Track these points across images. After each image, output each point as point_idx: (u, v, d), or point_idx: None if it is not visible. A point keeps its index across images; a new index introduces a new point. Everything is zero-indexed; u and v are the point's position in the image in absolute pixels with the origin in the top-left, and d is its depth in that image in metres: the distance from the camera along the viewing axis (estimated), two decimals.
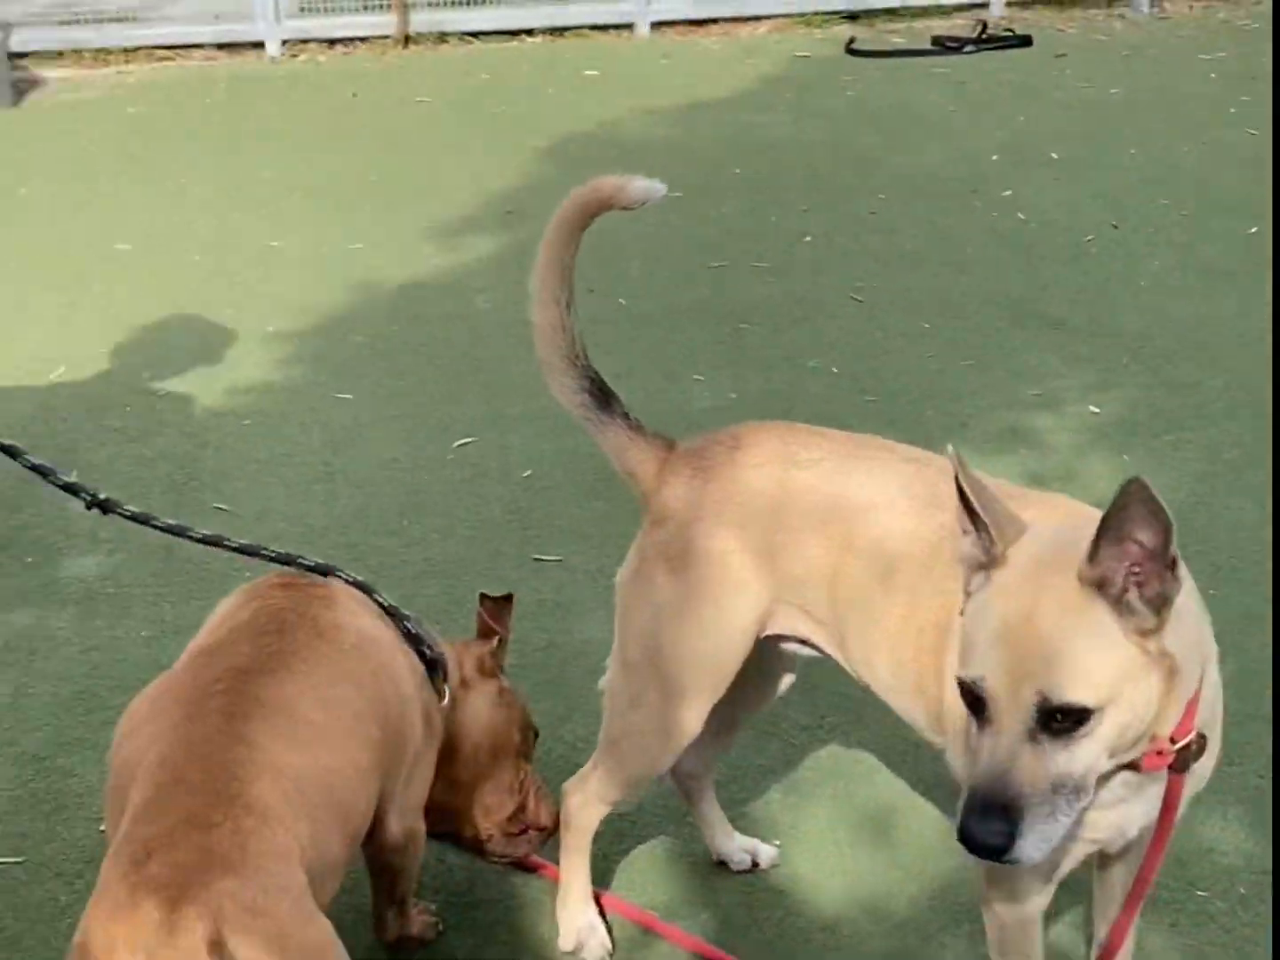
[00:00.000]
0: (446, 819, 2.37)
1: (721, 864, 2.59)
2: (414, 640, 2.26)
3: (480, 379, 4.35)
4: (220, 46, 7.58)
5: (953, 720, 1.99)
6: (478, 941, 2.46)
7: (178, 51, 7.54)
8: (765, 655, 2.30)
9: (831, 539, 2.08)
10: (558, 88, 7.21)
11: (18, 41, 7.10)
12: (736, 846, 2.59)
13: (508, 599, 2.43)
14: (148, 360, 4.39)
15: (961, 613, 1.81)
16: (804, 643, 2.22)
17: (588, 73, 7.43)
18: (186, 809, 1.78)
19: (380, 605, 2.26)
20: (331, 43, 7.67)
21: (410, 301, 4.84)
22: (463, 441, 3.95)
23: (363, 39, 7.66)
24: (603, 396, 2.24)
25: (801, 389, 4.26)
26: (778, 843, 2.64)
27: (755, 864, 2.59)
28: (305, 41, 7.64)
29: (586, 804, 2.36)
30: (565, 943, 2.42)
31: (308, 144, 6.33)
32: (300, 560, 2.25)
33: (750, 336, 4.60)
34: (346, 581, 2.25)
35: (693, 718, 2.24)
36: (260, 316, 4.67)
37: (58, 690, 2.85)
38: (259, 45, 7.58)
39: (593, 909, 2.43)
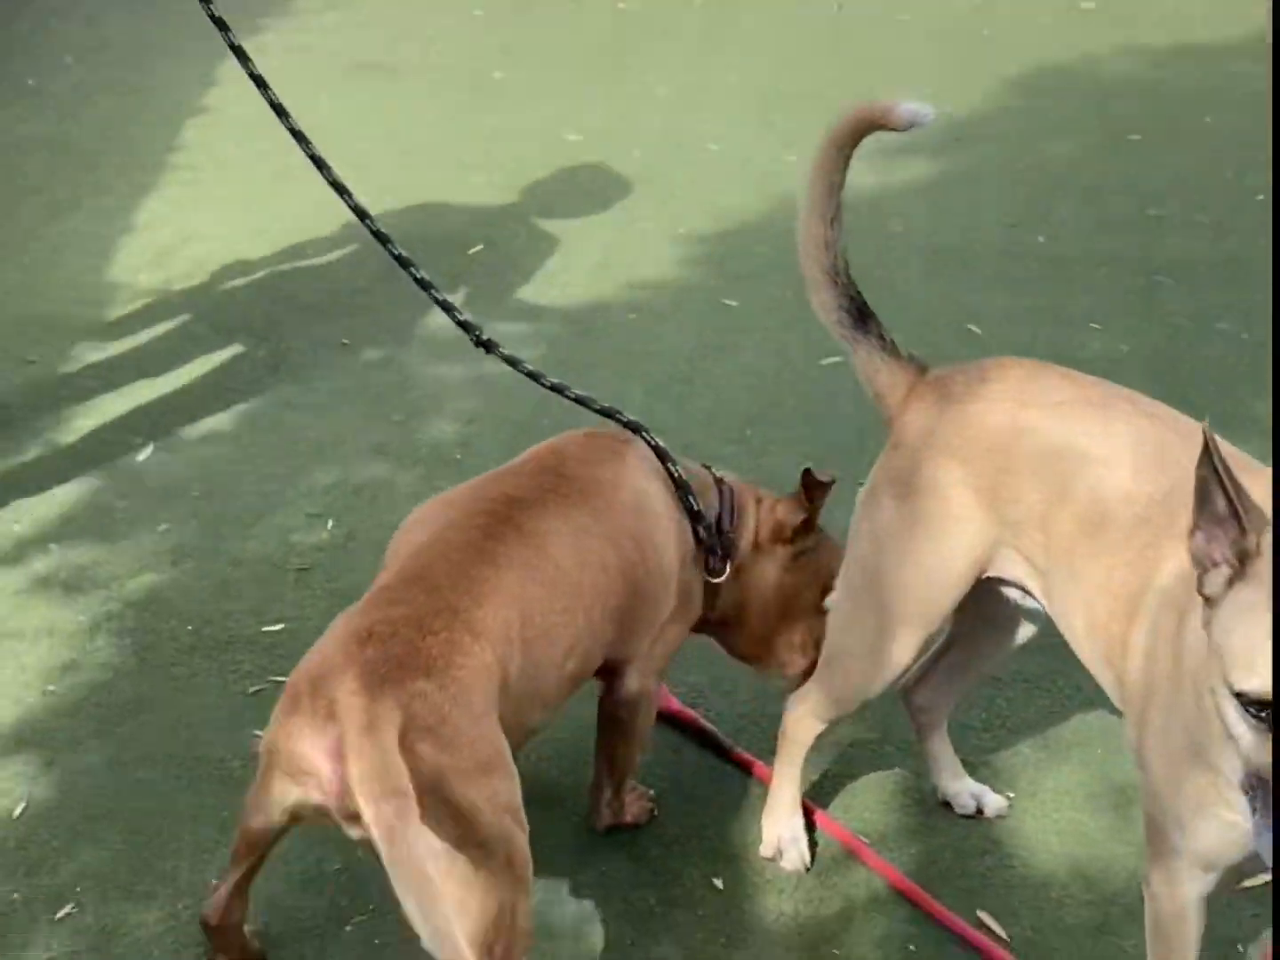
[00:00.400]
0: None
1: (945, 805, 2.58)
2: (694, 518, 2.37)
3: (870, 299, 4.35)
4: None
5: (1134, 696, 1.92)
6: (682, 832, 2.55)
7: None
8: (993, 600, 2.27)
9: (1049, 485, 2.02)
10: (1053, 17, 7.00)
11: None
12: (964, 789, 2.57)
13: (830, 481, 2.46)
14: None
15: (1206, 624, 1.67)
16: (1023, 590, 2.18)
17: (1084, 5, 7.18)
18: (416, 607, 1.99)
19: (671, 476, 2.38)
20: None
21: None
22: (830, 360, 3.97)
23: None
24: (860, 316, 2.26)
25: (1199, 351, 4.06)
26: (1010, 795, 2.60)
27: (979, 810, 2.55)
28: None
29: (803, 718, 2.41)
30: (766, 849, 2.48)
31: (779, 55, 6.41)
32: (618, 415, 2.44)
33: (1163, 291, 4.41)
34: (649, 444, 2.39)
35: (903, 647, 2.25)
36: (675, 217, 4.82)
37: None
38: None
39: (799, 820, 2.48)
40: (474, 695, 1.94)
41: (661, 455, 2.39)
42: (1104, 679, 2.03)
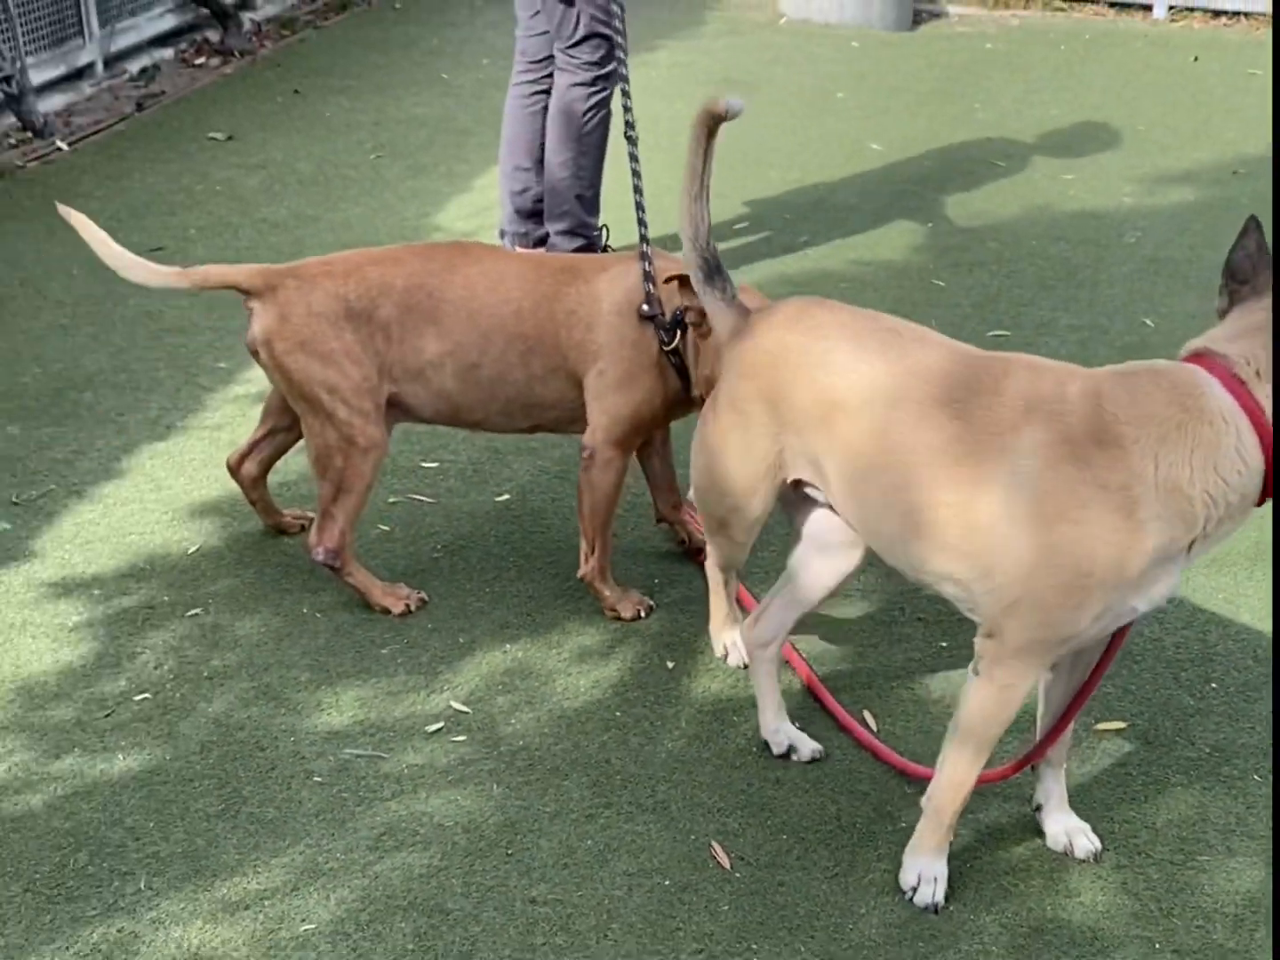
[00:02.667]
0: None
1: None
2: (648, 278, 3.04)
3: (1068, 291, 4.76)
4: (1112, 5, 8.11)
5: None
6: (670, 627, 3.15)
7: (1074, 4, 8.17)
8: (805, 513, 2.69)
9: (815, 389, 2.48)
10: None
11: None
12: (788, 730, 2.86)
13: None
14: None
15: None
16: (814, 487, 2.58)
17: None
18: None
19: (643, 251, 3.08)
20: (1215, 14, 7.94)
21: (1073, 227, 5.28)
22: (994, 334, 4.42)
23: (1244, 14, 7.85)
24: (712, 272, 2.70)
25: None
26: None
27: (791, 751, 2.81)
28: (1190, 10, 7.98)
29: (711, 566, 3.03)
30: (717, 650, 3.07)
31: (1115, 96, 6.77)
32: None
33: None
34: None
35: (739, 529, 2.74)
36: (940, 228, 5.32)
37: None
38: (1147, 8, 8.03)
39: (737, 630, 3.01)
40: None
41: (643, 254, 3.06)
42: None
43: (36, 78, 6.31)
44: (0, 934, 2.39)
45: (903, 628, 3.17)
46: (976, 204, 5.44)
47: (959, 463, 2.31)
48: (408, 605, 3.17)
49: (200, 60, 7.25)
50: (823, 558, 2.71)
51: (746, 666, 2.95)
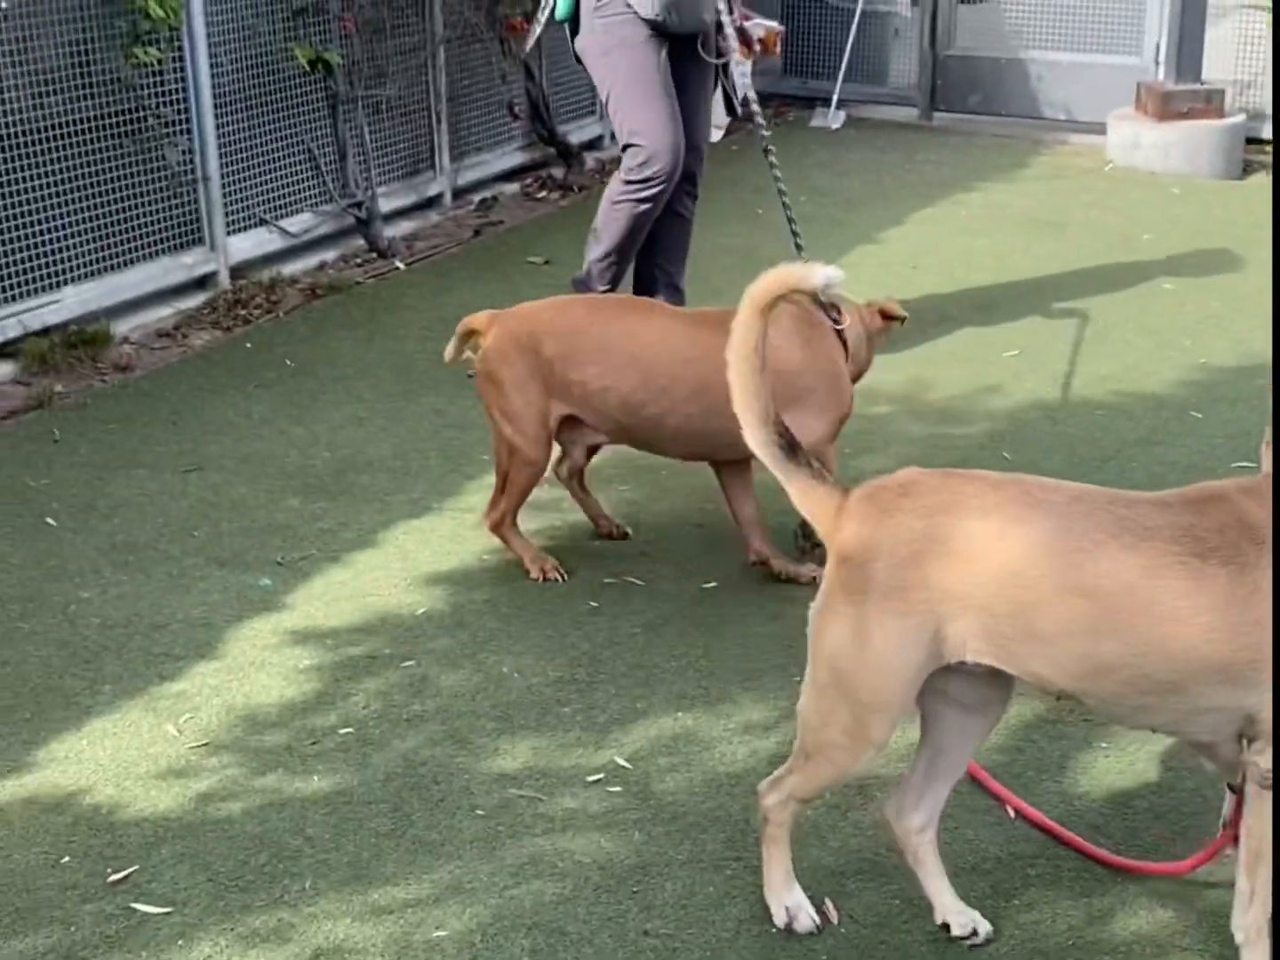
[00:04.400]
0: None
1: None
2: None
3: None
4: None
5: None
6: None
7: None
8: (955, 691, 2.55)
9: (992, 564, 2.34)
10: None
11: None
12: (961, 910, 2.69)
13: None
14: None
15: None
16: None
17: None
18: None
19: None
20: None
21: None
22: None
23: None
24: (790, 450, 2.50)
25: None
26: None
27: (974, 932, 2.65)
28: None
29: (786, 803, 2.63)
30: (777, 920, 2.69)
31: None
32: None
33: None
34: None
35: (879, 728, 2.48)
36: (1212, 364, 5.32)
37: None
38: None
39: (797, 889, 2.70)
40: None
41: None
42: None
43: (389, 205, 6.98)
44: (180, 912, 2.73)
45: (1061, 725, 3.25)
46: (1255, 344, 5.41)
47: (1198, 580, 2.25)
48: (544, 573, 3.83)
49: (541, 194, 7.84)
50: (970, 717, 2.61)
51: (821, 928, 2.68)
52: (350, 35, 6.49)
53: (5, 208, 5.22)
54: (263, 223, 6.36)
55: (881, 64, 9.38)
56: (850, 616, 2.42)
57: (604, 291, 5.16)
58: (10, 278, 5.29)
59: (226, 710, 3.32)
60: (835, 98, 9.10)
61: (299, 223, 6.52)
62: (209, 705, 3.33)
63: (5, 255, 5.25)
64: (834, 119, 9.06)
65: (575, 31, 5.01)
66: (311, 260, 6.57)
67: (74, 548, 4.02)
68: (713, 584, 3.86)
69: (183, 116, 5.82)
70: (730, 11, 4.88)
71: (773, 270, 2.45)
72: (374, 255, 6.74)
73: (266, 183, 6.35)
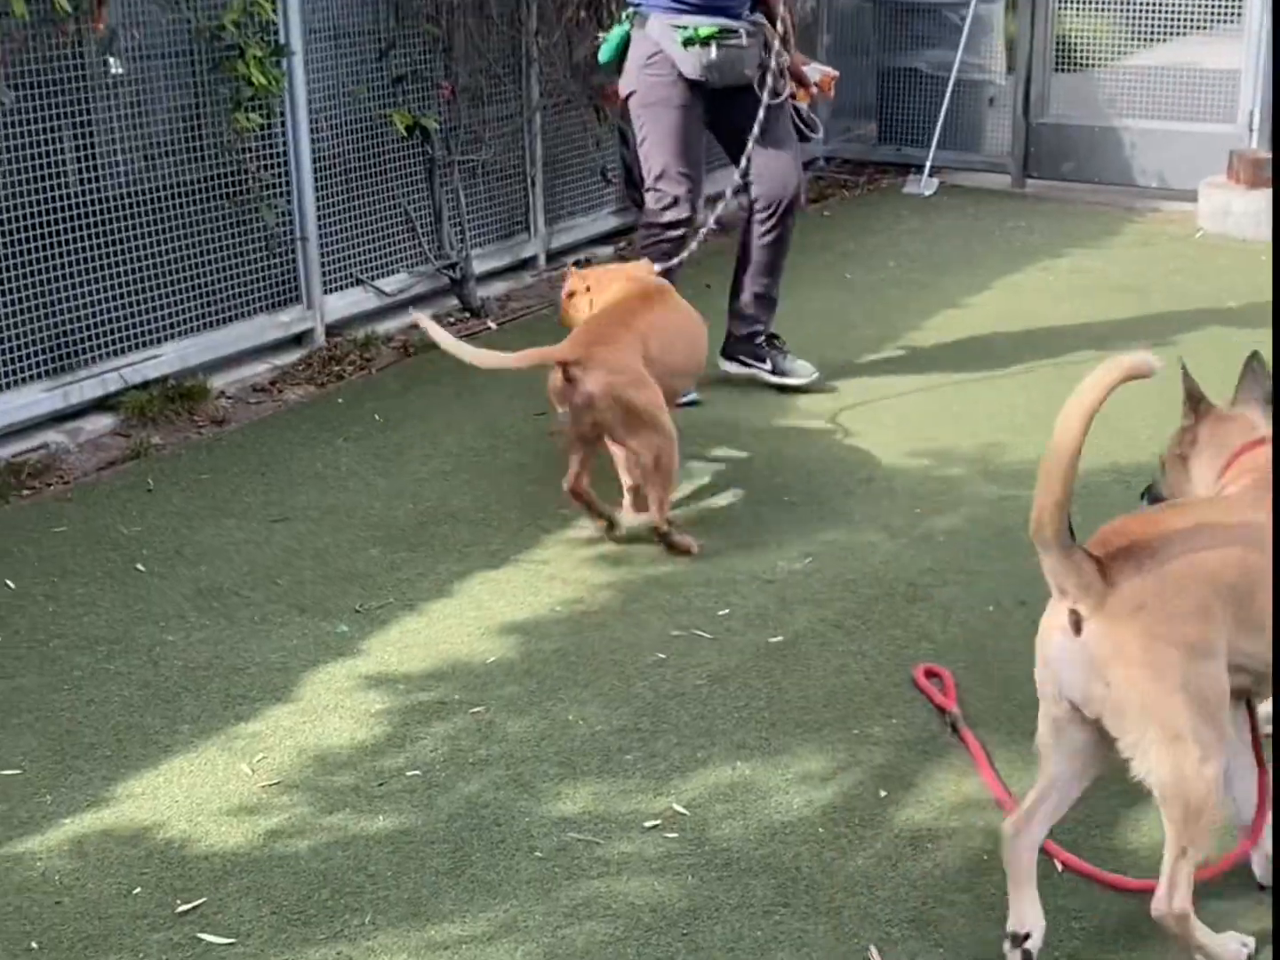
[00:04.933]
0: None
1: None
2: None
3: None
4: None
5: None
6: (893, 760, 3.37)
7: None
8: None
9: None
10: None
11: None
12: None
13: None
14: None
15: None
16: None
17: None
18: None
19: None
20: None
21: None
22: None
23: None
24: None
25: None
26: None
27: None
28: None
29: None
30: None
31: None
32: None
33: None
34: None
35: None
36: None
37: None
38: None
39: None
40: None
41: None
42: None
43: (483, 266, 7.14)
44: (244, 943, 2.84)
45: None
46: None
47: None
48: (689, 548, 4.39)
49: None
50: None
51: None
52: (448, 101, 6.68)
53: (111, 266, 5.42)
54: (359, 282, 6.54)
55: (975, 131, 9.45)
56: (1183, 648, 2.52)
57: None
58: (114, 334, 5.49)
59: (298, 751, 3.42)
60: (929, 165, 9.18)
61: (394, 282, 6.70)
62: (282, 746, 3.44)
63: (109, 312, 5.45)
64: (927, 186, 9.13)
65: (618, 73, 5.49)
66: (406, 319, 6.72)
67: (161, 593, 4.17)
68: (779, 638, 3.92)
69: (283, 179, 6.02)
70: (783, 55, 5.40)
71: (1103, 368, 2.52)
72: (467, 315, 6.90)
73: (363, 243, 6.53)
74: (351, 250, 6.48)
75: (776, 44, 5.35)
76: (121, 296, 5.50)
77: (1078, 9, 8.95)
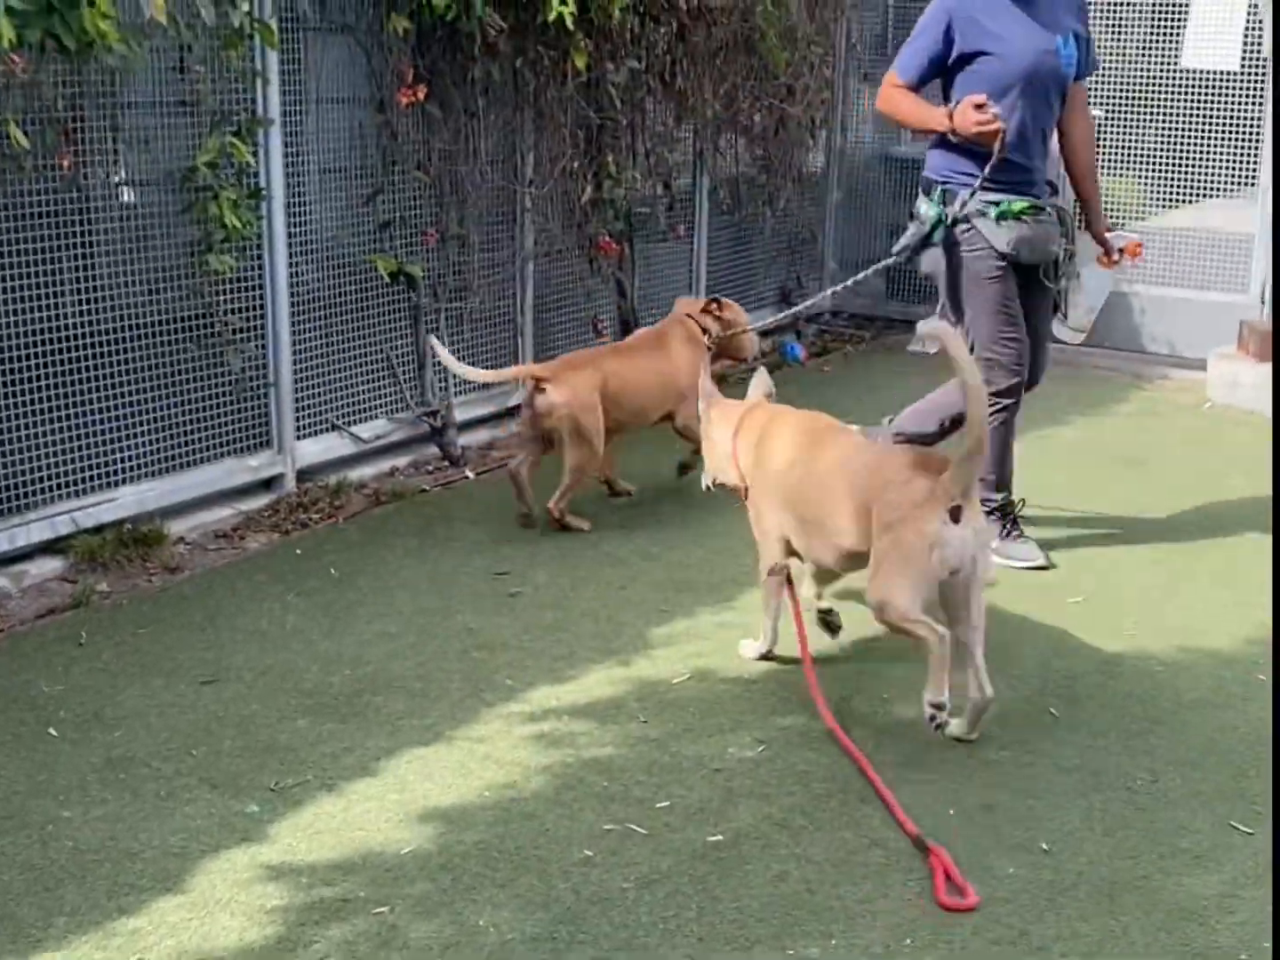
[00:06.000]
0: None
1: None
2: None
3: None
4: None
5: None
6: None
7: None
8: None
9: None
10: None
11: None
12: None
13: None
14: None
15: None
16: None
17: None
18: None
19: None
20: None
21: None
22: None
23: None
24: None
25: None
26: None
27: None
28: None
29: None
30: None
31: None
32: None
33: None
34: None
35: None
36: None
37: None
38: None
39: None
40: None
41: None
42: None
43: (467, 414, 6.98)
44: None
45: None
46: None
47: None
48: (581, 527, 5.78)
49: None
50: None
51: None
52: (434, 248, 6.55)
53: (67, 406, 5.26)
54: (334, 428, 6.37)
55: None
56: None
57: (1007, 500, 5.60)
58: (68, 475, 5.31)
59: (178, 953, 3.16)
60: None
61: (372, 429, 6.53)
62: (161, 945, 3.18)
63: (64, 453, 5.28)
64: (931, 344, 8.97)
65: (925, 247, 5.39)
66: (382, 465, 6.57)
67: (69, 760, 3.93)
68: (719, 836, 3.66)
69: (257, 322, 5.87)
70: (1093, 224, 5.61)
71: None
72: (446, 463, 6.72)
73: (341, 388, 6.38)
74: (328, 395, 6.32)
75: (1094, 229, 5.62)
76: (78, 437, 5.33)
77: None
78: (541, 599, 5.12)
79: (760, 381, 4.71)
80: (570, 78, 6.56)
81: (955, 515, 3.81)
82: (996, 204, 5.17)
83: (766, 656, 4.59)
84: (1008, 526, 5.54)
